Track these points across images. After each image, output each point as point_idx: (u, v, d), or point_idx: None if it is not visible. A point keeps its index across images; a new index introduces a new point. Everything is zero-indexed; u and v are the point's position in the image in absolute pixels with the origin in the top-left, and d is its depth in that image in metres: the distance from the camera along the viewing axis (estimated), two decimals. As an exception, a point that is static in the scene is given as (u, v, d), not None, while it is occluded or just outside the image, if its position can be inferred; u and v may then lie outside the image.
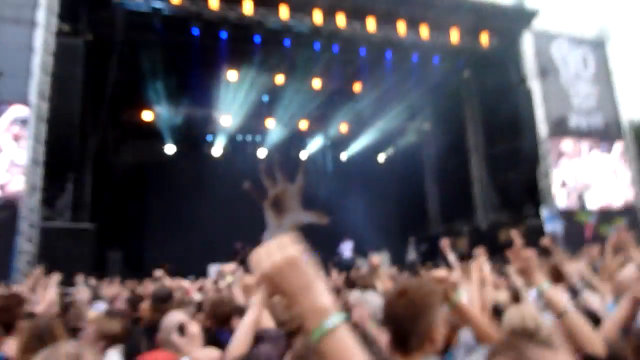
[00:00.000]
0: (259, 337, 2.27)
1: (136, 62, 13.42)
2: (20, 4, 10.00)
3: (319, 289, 0.91)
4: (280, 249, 0.91)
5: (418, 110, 17.34)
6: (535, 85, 13.59)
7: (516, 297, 3.59)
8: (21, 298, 3.61)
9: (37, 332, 2.54)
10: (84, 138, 12.39)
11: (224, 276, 4.98)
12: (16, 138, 9.69)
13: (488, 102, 15.52)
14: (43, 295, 4.38)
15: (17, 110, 9.76)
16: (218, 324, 3.38)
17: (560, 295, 1.98)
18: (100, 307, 4.98)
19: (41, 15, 10.07)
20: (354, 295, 3.90)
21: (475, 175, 16.51)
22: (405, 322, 1.64)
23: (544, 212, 12.96)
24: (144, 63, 13.47)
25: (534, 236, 8.27)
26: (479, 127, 16.40)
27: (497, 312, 2.81)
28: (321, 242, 13.78)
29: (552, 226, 12.70)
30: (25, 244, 9.30)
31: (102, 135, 14.35)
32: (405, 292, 1.69)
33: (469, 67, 16.01)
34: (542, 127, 13.47)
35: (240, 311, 3.34)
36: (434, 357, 1.63)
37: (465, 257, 6.14)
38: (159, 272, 6.76)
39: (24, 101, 9.71)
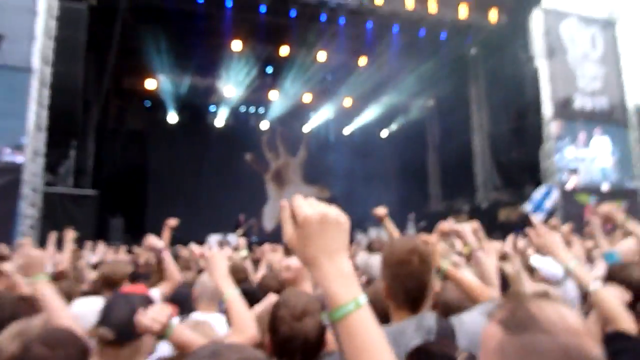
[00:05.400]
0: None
1: (140, 30, 13.26)
2: (23, -34, 9.81)
3: (347, 261, 0.87)
4: (330, 208, 0.88)
5: (423, 87, 17.16)
6: (542, 65, 13.41)
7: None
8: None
9: None
10: (87, 105, 12.35)
11: (238, 250, 5.22)
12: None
13: (494, 80, 15.35)
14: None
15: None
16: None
17: (588, 274, 1.99)
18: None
19: (44, -22, 9.89)
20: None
21: (478, 154, 16.47)
22: (421, 276, 1.66)
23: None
24: (148, 31, 13.30)
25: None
26: (484, 106, 16.27)
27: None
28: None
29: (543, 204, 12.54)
30: (28, 208, 9.37)
31: (105, 103, 14.30)
32: (415, 250, 1.70)
33: (476, 44, 15.78)
34: (547, 108, 13.35)
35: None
36: (431, 313, 1.65)
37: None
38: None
39: (27, 65, 9.62)
